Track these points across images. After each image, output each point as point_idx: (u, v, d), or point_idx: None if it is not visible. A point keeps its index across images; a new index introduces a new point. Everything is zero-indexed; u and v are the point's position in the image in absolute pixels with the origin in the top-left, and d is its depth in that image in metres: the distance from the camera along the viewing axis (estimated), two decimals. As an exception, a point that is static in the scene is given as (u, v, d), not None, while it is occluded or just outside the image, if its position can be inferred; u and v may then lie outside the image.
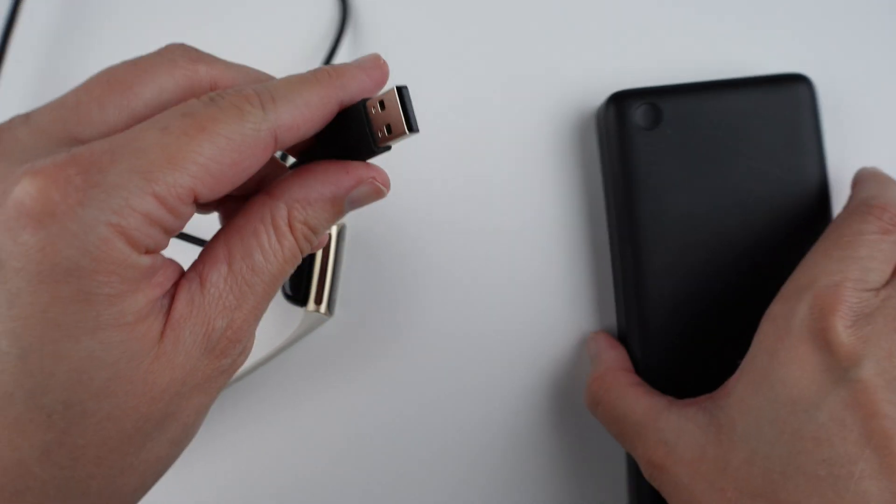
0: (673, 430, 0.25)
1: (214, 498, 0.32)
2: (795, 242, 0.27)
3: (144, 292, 0.17)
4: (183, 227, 0.18)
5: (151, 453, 0.19)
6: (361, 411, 0.32)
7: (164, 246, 0.18)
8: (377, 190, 0.21)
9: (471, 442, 0.32)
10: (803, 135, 0.28)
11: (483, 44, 0.32)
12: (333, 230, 0.30)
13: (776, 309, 0.24)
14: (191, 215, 0.18)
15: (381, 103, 0.20)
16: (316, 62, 0.33)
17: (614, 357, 0.29)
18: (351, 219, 0.32)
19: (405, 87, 0.20)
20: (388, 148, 0.21)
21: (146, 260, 0.17)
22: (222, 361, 0.19)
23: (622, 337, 0.30)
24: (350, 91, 0.20)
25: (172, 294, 0.18)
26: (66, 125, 0.18)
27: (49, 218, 0.16)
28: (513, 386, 0.32)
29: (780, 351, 0.23)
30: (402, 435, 0.32)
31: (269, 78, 0.21)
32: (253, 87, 0.19)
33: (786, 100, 0.28)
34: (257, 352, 0.31)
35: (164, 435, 0.19)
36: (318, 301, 0.30)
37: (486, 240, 0.32)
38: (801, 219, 0.28)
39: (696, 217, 0.28)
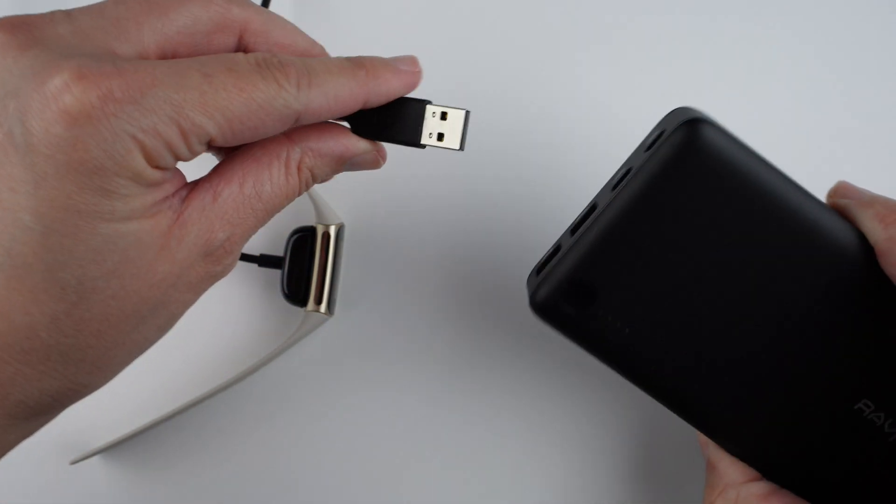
0: None
1: (216, 497, 0.32)
2: (816, 275, 0.24)
3: (153, 195, 0.19)
4: (192, 159, 0.20)
5: (140, 334, 0.21)
6: (362, 411, 0.32)
7: (173, 167, 0.20)
8: (376, 160, 0.23)
9: (478, 443, 0.32)
10: (750, 179, 0.23)
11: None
12: (332, 230, 0.30)
13: None
14: (201, 153, 0.20)
15: (444, 114, 0.23)
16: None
17: (736, 470, 0.25)
18: (351, 218, 0.32)
19: (469, 112, 0.23)
20: (424, 146, 0.23)
21: (157, 174, 0.19)
22: (215, 268, 0.21)
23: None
24: (379, 94, 0.22)
25: (183, 198, 0.20)
26: (106, 36, 0.19)
27: (84, 119, 0.17)
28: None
29: None
30: (405, 435, 0.32)
31: (295, 29, 0.23)
32: (295, 64, 0.20)
33: (698, 160, 0.23)
34: (258, 353, 0.31)
35: (154, 320, 0.21)
36: (318, 301, 0.30)
37: (489, 241, 0.32)
38: (806, 248, 0.24)
39: (714, 335, 0.24)
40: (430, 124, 0.23)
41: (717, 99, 0.32)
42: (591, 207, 0.24)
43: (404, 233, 0.32)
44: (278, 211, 0.22)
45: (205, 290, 0.22)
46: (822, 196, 0.25)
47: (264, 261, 0.31)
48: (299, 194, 0.22)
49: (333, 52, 0.23)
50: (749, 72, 0.32)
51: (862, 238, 0.24)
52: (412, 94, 0.23)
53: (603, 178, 0.25)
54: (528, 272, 0.28)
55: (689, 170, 0.23)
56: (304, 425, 0.32)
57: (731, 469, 0.25)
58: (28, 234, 0.18)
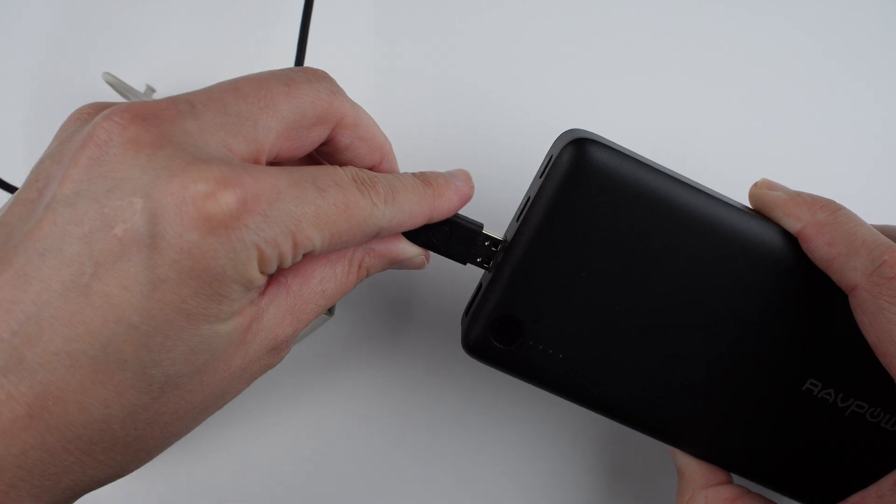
0: None
1: (216, 496, 0.32)
2: (737, 272, 0.24)
3: (250, 297, 0.20)
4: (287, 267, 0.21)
5: (196, 423, 0.21)
6: (363, 411, 0.32)
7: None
8: (422, 263, 0.26)
9: (475, 445, 0.32)
10: (634, 187, 0.23)
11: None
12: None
13: None
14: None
15: (492, 241, 0.25)
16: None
17: (702, 474, 0.26)
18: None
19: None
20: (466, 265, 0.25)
21: (263, 280, 0.20)
22: (274, 360, 0.22)
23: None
24: (441, 211, 0.24)
25: (261, 292, 0.21)
26: (226, 134, 0.19)
27: (222, 228, 0.18)
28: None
29: None
30: (405, 435, 0.32)
31: (374, 123, 0.24)
32: (382, 182, 0.22)
33: (592, 178, 0.23)
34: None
35: (212, 410, 0.22)
36: None
37: None
38: (722, 247, 0.24)
39: (649, 346, 0.25)
40: (480, 250, 0.25)
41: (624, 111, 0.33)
42: (504, 242, 0.25)
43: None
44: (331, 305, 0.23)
45: (254, 380, 0.22)
46: (742, 195, 0.26)
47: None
48: (352, 289, 0.24)
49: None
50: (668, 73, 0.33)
51: (776, 228, 0.24)
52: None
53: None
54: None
55: (581, 189, 0.23)
56: (304, 424, 0.33)
57: (698, 474, 0.26)
58: (131, 333, 0.18)
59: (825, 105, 0.33)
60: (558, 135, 0.25)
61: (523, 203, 0.25)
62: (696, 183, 0.24)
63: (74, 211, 0.18)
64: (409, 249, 0.24)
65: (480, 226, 0.25)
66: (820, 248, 0.23)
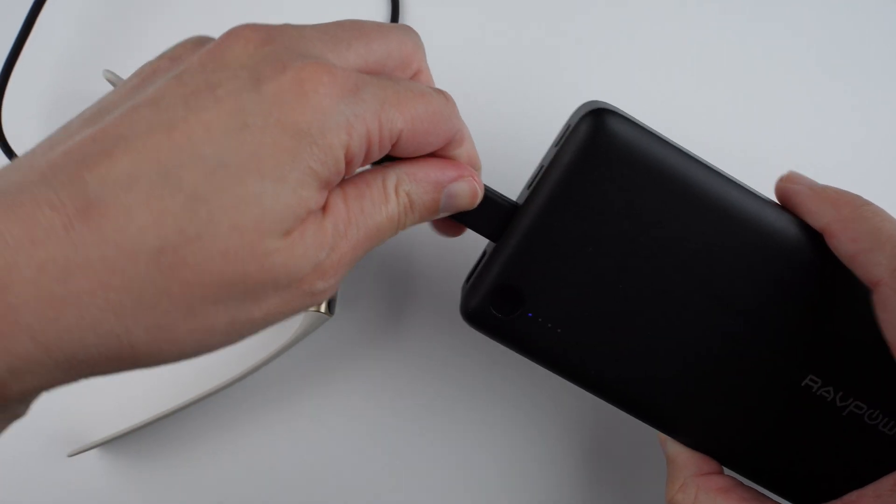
0: None
1: (213, 494, 0.32)
2: (751, 255, 0.24)
3: (316, 197, 0.20)
4: (369, 163, 0.22)
5: (210, 318, 0.20)
6: (363, 411, 0.32)
7: (354, 168, 0.21)
8: (473, 191, 0.23)
9: (478, 445, 0.32)
10: (659, 163, 0.23)
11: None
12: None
13: None
14: (381, 156, 0.22)
15: None
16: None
17: (693, 459, 0.26)
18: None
19: None
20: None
21: (341, 169, 0.20)
22: (318, 284, 0.21)
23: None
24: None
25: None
26: (324, 47, 0.21)
27: (313, 93, 0.19)
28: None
29: None
30: (405, 434, 0.32)
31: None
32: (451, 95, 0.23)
33: (605, 149, 0.23)
34: (257, 352, 0.31)
35: (231, 310, 0.20)
36: None
37: None
38: (734, 232, 0.24)
39: (649, 327, 0.24)
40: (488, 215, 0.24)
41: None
42: (511, 212, 0.24)
43: (407, 233, 0.32)
44: (384, 237, 0.22)
45: (295, 311, 0.21)
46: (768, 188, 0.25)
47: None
48: (400, 225, 0.23)
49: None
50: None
51: (794, 220, 0.24)
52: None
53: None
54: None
55: (597, 160, 0.23)
56: (304, 424, 0.32)
57: (690, 463, 0.26)
58: (197, 163, 0.18)
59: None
60: (578, 105, 0.24)
61: (536, 171, 0.24)
62: (714, 166, 0.24)
63: (181, 81, 0.19)
64: (449, 170, 0.23)
65: (492, 192, 0.24)
66: (844, 244, 0.23)
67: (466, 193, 0.23)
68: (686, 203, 0.23)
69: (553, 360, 0.24)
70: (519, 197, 0.25)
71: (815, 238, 0.24)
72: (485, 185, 0.24)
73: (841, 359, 0.24)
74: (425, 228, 0.33)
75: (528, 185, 0.24)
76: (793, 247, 0.24)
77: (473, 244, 0.32)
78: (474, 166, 0.24)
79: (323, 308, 0.30)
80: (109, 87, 0.30)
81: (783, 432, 0.25)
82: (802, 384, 0.25)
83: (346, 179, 0.22)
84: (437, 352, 0.32)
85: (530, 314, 0.24)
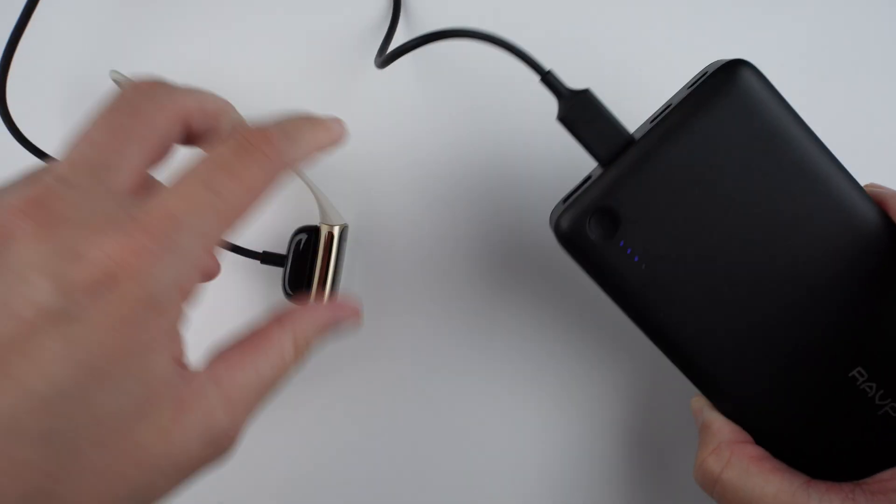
0: None
1: (211, 494, 0.32)
2: (827, 226, 0.24)
3: (174, 354, 0.20)
4: None
5: None
6: (362, 410, 0.32)
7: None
8: (356, 325, 0.25)
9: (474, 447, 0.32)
10: (779, 127, 0.23)
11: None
12: (336, 230, 0.30)
13: None
14: None
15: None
16: (368, 55, 0.33)
17: (729, 427, 0.26)
18: (355, 220, 0.32)
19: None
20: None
21: (184, 312, 0.20)
22: (215, 453, 0.21)
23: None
24: (336, 138, 0.24)
25: (184, 377, 0.20)
26: (102, 182, 0.20)
27: (129, 281, 0.18)
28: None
29: None
30: (404, 434, 0.32)
31: (210, 92, 0.23)
32: (273, 130, 0.21)
33: (736, 100, 0.23)
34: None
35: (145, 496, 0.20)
36: (319, 300, 0.30)
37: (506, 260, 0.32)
38: (819, 200, 0.24)
39: (720, 274, 0.24)
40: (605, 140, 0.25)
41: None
42: (628, 141, 0.25)
43: (407, 236, 0.32)
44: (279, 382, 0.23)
45: (190, 476, 0.21)
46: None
47: (267, 258, 0.31)
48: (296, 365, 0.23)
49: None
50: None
51: (885, 217, 0.24)
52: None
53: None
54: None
55: (726, 109, 0.23)
56: (302, 423, 0.32)
57: (725, 429, 0.26)
58: (35, 402, 0.18)
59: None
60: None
61: (662, 108, 0.25)
62: (827, 148, 0.24)
63: None
64: (337, 314, 0.24)
65: (613, 118, 0.25)
66: None
67: (351, 327, 0.24)
68: (794, 174, 0.24)
69: (629, 294, 0.25)
70: (638, 130, 0.25)
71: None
72: (606, 110, 0.25)
73: (892, 359, 0.24)
74: (427, 231, 0.33)
75: (651, 120, 0.25)
76: (875, 240, 0.24)
77: (476, 249, 0.33)
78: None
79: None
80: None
81: (817, 417, 0.25)
82: (849, 374, 0.25)
83: (248, 342, 0.22)
84: (438, 353, 0.32)
85: (622, 243, 0.24)
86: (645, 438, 0.32)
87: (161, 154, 0.22)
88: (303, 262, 0.30)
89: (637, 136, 0.24)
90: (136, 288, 0.18)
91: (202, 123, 0.23)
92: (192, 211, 0.19)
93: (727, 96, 0.23)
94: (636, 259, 0.24)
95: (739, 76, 0.23)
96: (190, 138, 0.23)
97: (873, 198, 0.25)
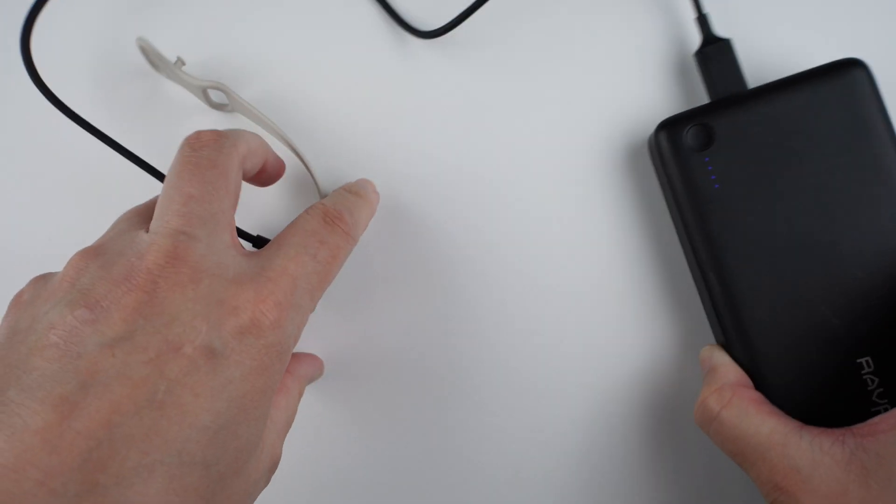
0: (806, 458, 0.24)
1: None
2: (889, 225, 0.27)
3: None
4: None
5: None
6: (360, 406, 0.32)
7: None
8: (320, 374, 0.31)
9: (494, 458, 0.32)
10: (870, 121, 0.27)
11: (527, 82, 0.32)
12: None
13: None
14: None
15: None
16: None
17: (734, 372, 0.27)
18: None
19: None
20: None
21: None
22: (267, 481, 0.25)
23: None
24: (373, 213, 0.30)
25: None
26: (219, 235, 0.23)
27: (269, 329, 0.22)
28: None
29: None
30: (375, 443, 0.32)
31: (262, 140, 0.28)
32: (345, 212, 0.26)
33: (842, 88, 0.27)
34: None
35: None
36: None
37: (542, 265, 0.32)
38: (889, 199, 0.27)
39: (777, 225, 0.27)
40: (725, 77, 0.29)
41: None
42: (742, 89, 0.29)
43: (400, 251, 0.32)
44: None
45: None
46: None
47: (260, 242, 0.31)
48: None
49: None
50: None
51: None
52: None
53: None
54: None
55: (831, 91, 0.27)
56: (302, 422, 0.32)
57: (731, 371, 0.27)
58: (202, 434, 0.20)
59: None
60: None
61: (779, 79, 0.28)
62: None
63: (133, 343, 0.20)
64: (317, 367, 0.30)
65: (738, 69, 0.29)
66: None
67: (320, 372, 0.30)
68: (868, 167, 0.27)
69: (695, 207, 0.28)
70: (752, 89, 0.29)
71: None
72: (737, 60, 0.29)
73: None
74: (422, 248, 0.33)
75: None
76: None
77: (470, 271, 0.32)
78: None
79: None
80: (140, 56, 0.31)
81: (819, 388, 0.27)
82: (857, 361, 0.26)
83: (282, 387, 0.26)
84: (408, 371, 0.32)
85: (707, 159, 0.28)
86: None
87: (238, 196, 0.25)
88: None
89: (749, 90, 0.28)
90: (274, 335, 0.22)
91: (251, 165, 0.26)
92: (302, 274, 0.23)
93: (835, 81, 0.27)
94: (713, 177, 0.27)
95: (852, 71, 0.27)
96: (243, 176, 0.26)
97: None
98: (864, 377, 0.26)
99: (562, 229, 0.31)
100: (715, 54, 0.29)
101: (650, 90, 0.31)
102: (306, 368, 0.29)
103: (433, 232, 0.32)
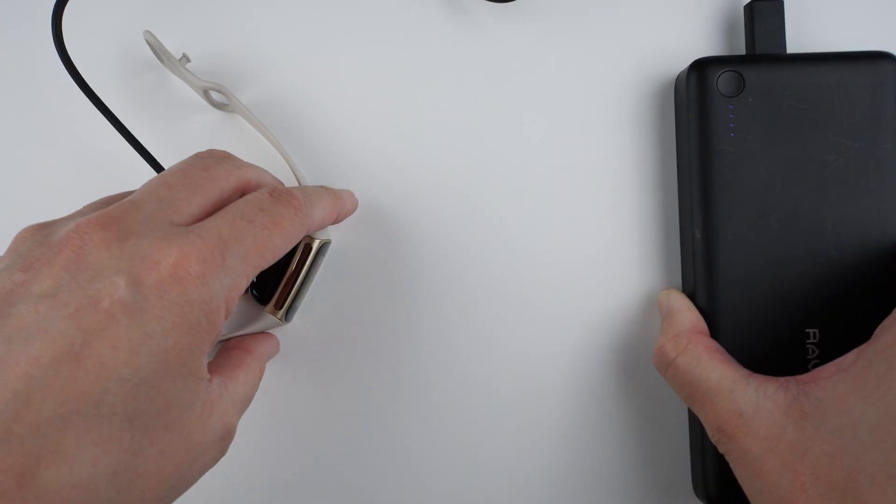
0: (750, 403, 0.25)
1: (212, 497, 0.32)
2: (873, 217, 0.28)
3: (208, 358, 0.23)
4: None
5: (171, 499, 0.22)
6: (320, 414, 0.32)
7: None
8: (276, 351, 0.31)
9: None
10: (885, 113, 0.28)
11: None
12: (315, 244, 0.30)
13: None
14: None
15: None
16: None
17: (691, 318, 0.28)
18: (342, 240, 0.32)
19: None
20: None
21: (222, 328, 0.23)
22: (221, 451, 0.24)
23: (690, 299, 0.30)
24: (344, 212, 0.30)
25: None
26: (167, 214, 0.23)
27: (191, 285, 0.22)
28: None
29: None
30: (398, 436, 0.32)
31: (269, 173, 0.29)
32: (298, 192, 0.26)
33: (870, 76, 0.28)
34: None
35: (170, 497, 0.22)
36: (279, 306, 0.30)
37: (541, 204, 0.32)
38: (880, 194, 0.28)
39: (773, 188, 0.28)
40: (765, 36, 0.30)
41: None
42: (782, 51, 0.30)
43: (387, 264, 0.32)
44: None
45: (196, 480, 0.24)
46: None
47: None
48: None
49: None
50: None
51: None
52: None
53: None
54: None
55: (859, 75, 0.28)
56: (303, 421, 0.32)
57: (687, 318, 0.28)
58: (121, 386, 0.20)
59: None
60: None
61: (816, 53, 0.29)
62: None
63: (56, 299, 0.20)
64: (272, 346, 0.30)
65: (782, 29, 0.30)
66: None
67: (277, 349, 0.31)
68: (876, 156, 0.28)
69: (707, 148, 0.28)
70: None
71: None
72: (783, 22, 0.30)
73: (845, 348, 0.26)
74: (410, 262, 0.32)
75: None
76: (893, 244, 0.28)
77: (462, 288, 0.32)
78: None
79: (280, 315, 0.29)
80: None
81: (766, 346, 0.28)
82: (806, 330, 0.28)
83: (237, 360, 0.27)
84: (382, 388, 0.32)
85: (731, 106, 0.28)
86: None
87: (217, 208, 0.25)
88: (277, 265, 0.30)
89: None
90: (197, 291, 0.22)
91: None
92: (236, 236, 0.23)
93: (865, 68, 0.28)
94: (731, 126, 0.28)
95: (884, 62, 0.28)
96: None
97: None
98: (808, 346, 0.28)
99: (575, 159, 0.32)
100: (764, 10, 0.30)
101: (694, 31, 0.32)
102: (264, 346, 0.29)
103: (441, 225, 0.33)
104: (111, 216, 0.22)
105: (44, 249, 0.22)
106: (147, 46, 0.31)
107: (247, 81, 0.33)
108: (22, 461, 0.18)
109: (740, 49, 0.31)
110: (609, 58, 0.32)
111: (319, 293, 0.33)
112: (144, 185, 0.24)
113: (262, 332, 0.30)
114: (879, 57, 0.29)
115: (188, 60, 0.32)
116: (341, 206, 0.29)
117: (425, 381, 0.32)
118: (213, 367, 0.25)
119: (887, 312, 0.25)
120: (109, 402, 0.20)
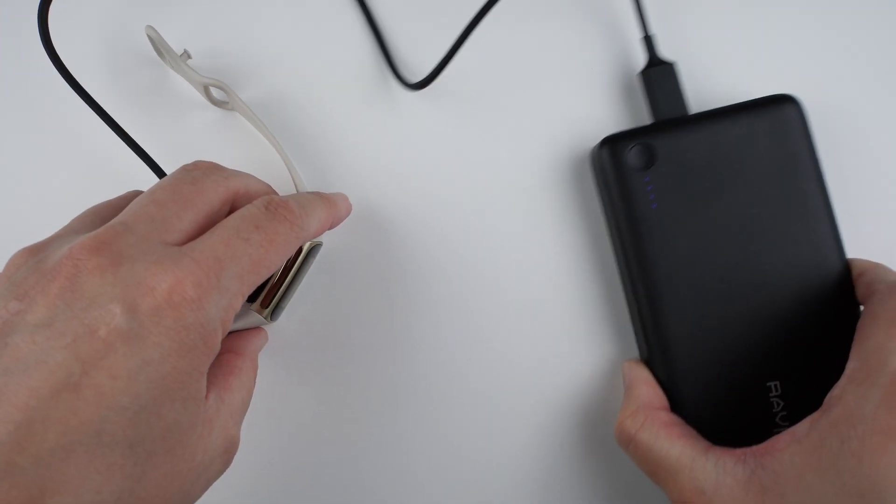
0: (710, 479, 0.25)
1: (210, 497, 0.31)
2: (808, 258, 0.28)
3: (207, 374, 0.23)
4: None
5: None
6: (356, 406, 0.32)
7: None
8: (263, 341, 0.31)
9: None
10: (798, 155, 0.28)
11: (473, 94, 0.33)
12: (306, 245, 0.30)
13: (848, 392, 0.24)
14: None
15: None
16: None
17: (648, 393, 0.28)
18: (334, 243, 0.32)
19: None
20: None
21: (219, 347, 0.23)
22: (225, 464, 0.25)
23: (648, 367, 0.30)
24: (338, 218, 0.30)
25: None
26: (159, 234, 0.23)
27: (187, 309, 0.21)
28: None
29: (853, 440, 0.23)
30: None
31: (256, 178, 0.28)
32: (293, 203, 0.26)
33: (776, 122, 0.28)
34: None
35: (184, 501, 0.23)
36: (265, 305, 0.29)
37: (481, 275, 0.33)
38: (807, 237, 0.28)
39: (705, 249, 0.28)
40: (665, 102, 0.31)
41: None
42: (684, 113, 0.30)
43: (381, 264, 0.33)
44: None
45: (201, 495, 0.24)
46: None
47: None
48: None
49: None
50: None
51: (847, 274, 0.28)
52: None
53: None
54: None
55: (764, 123, 0.28)
56: (300, 422, 0.32)
57: (645, 394, 0.28)
58: (121, 414, 0.20)
59: None
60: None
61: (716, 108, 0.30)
62: (829, 198, 0.29)
63: (53, 329, 0.20)
64: (261, 341, 0.30)
65: (679, 91, 0.30)
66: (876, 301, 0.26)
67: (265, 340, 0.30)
68: (792, 199, 0.28)
69: (633, 225, 0.28)
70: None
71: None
72: (680, 84, 0.30)
73: (809, 395, 0.27)
74: (400, 272, 0.32)
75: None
76: (831, 286, 0.28)
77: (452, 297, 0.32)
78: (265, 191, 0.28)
79: (266, 314, 0.29)
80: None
81: (730, 406, 0.28)
82: (767, 384, 0.28)
83: (230, 366, 0.26)
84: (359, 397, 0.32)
85: (647, 178, 0.28)
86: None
87: (210, 224, 0.25)
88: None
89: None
90: (193, 315, 0.21)
91: (245, 201, 0.26)
92: (232, 255, 0.23)
93: (769, 115, 0.28)
94: (651, 197, 0.28)
95: (785, 106, 0.29)
96: (233, 211, 0.26)
97: (856, 268, 0.28)
98: (771, 399, 0.28)
99: (509, 240, 0.32)
100: (658, 76, 0.30)
101: (596, 104, 0.32)
102: (253, 343, 0.29)
103: (404, 240, 0.33)
104: (103, 241, 0.22)
105: (37, 277, 0.22)
106: (144, 44, 0.31)
107: (246, 80, 0.33)
108: (27, 493, 0.18)
109: (645, 114, 0.31)
110: (523, 136, 0.32)
111: (313, 294, 0.33)
112: (134, 204, 0.24)
113: (246, 330, 0.30)
114: (780, 101, 0.29)
115: (189, 56, 0.32)
116: (336, 214, 0.29)
117: (419, 381, 0.32)
118: (206, 378, 0.25)
119: (841, 348, 0.26)
120: (110, 431, 0.20)
